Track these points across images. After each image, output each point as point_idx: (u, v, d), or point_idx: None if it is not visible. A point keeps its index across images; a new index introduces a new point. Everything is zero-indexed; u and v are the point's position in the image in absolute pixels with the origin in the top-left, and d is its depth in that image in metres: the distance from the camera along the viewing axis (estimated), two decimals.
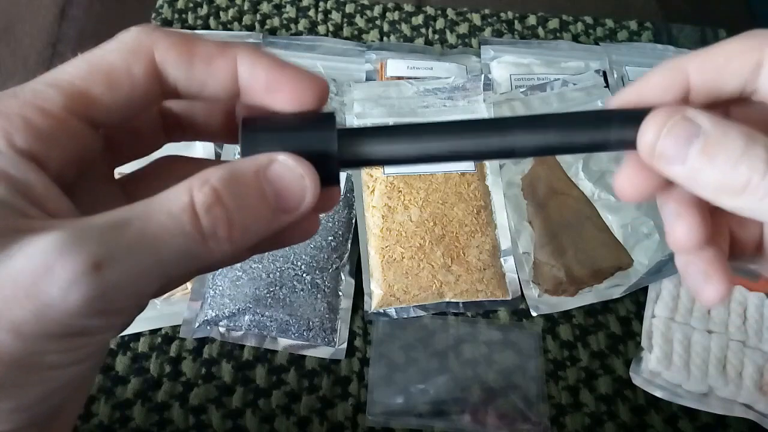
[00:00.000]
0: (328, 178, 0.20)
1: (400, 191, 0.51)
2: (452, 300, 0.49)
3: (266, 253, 0.47)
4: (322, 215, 0.50)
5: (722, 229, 0.23)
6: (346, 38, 0.63)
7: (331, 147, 0.20)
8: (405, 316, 0.49)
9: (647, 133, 0.19)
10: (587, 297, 0.50)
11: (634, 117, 0.20)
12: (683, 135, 0.19)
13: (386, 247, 0.49)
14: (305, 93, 0.20)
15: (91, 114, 0.19)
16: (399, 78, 0.58)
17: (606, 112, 0.21)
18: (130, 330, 0.46)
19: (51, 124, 0.18)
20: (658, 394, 0.46)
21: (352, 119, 0.55)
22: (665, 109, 0.19)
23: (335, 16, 0.65)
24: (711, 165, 0.18)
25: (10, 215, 0.16)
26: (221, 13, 0.63)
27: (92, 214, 0.17)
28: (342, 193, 0.52)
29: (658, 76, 0.21)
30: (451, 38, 0.64)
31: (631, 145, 0.20)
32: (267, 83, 0.20)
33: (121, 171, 0.23)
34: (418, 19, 0.65)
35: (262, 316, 0.46)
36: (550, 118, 0.21)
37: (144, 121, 0.23)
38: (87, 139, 0.19)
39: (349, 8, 0.65)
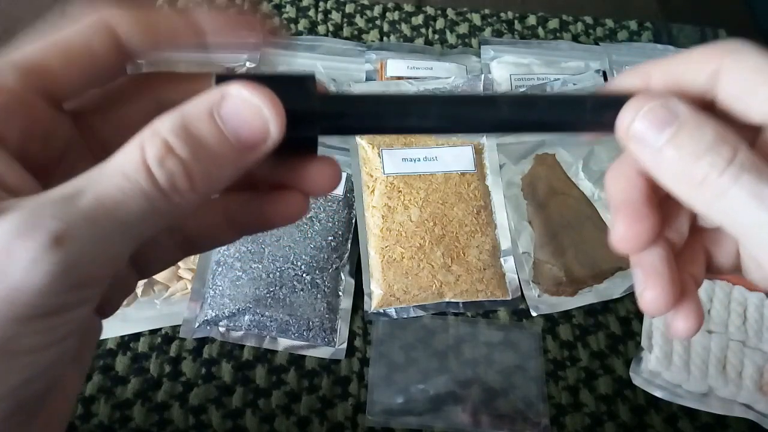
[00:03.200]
0: (304, 142, 0.19)
1: (400, 191, 0.51)
2: (452, 300, 0.49)
3: (266, 253, 0.47)
4: (322, 215, 0.50)
5: (696, 254, 0.22)
6: (346, 38, 0.63)
7: (309, 104, 0.19)
8: (405, 316, 0.49)
9: (626, 113, 0.20)
10: (587, 297, 0.50)
11: (617, 101, 0.20)
12: (658, 120, 0.19)
13: (386, 247, 0.49)
14: (259, 33, 0.20)
15: (48, 87, 0.18)
16: (399, 78, 0.58)
17: (590, 96, 0.21)
18: (130, 330, 0.46)
19: (5, 99, 0.17)
20: (658, 394, 0.46)
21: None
22: (647, 94, 0.20)
23: (335, 16, 0.65)
24: (677, 153, 0.19)
25: None
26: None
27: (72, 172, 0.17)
28: (342, 193, 0.52)
29: (626, 79, 0.21)
30: (451, 38, 0.64)
31: (608, 127, 0.20)
32: (225, 32, 0.20)
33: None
34: (418, 19, 0.65)
35: (262, 316, 0.46)
36: (539, 96, 0.21)
37: (132, 109, 0.22)
38: (47, 115, 0.19)
39: (349, 8, 0.65)
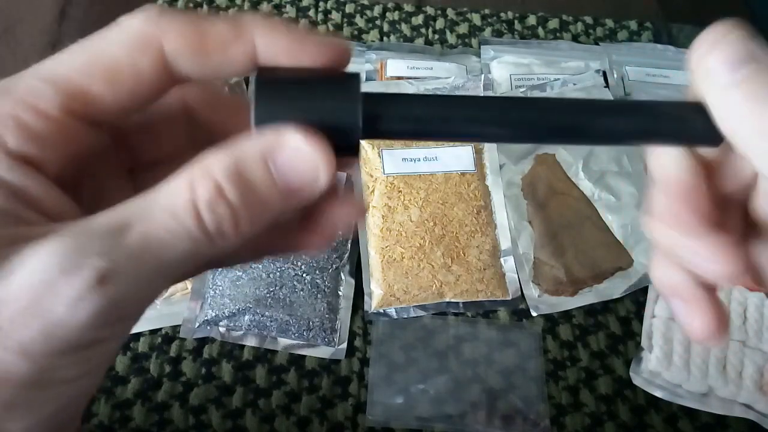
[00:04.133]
0: (346, 148, 0.18)
1: (400, 191, 0.51)
2: (452, 300, 0.49)
3: None
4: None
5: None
6: (346, 38, 0.63)
7: (354, 120, 0.18)
8: (405, 316, 0.49)
9: (701, 43, 0.18)
10: (587, 297, 0.50)
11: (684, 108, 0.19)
12: (734, 56, 0.17)
13: (386, 247, 0.49)
14: (328, 62, 0.18)
15: (90, 112, 0.18)
16: (399, 78, 0.58)
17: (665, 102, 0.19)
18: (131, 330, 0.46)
19: (46, 125, 0.17)
20: (658, 394, 0.46)
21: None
22: (726, 26, 0.19)
23: (335, 16, 0.65)
24: (746, 95, 0.17)
25: (7, 223, 0.16)
26: (221, 14, 0.63)
27: (97, 212, 0.16)
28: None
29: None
30: (451, 38, 0.64)
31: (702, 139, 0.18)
32: (289, 59, 0.18)
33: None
34: (418, 19, 0.65)
35: (262, 316, 0.46)
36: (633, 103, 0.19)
37: (161, 117, 0.21)
38: (87, 138, 0.18)
39: (349, 8, 0.65)
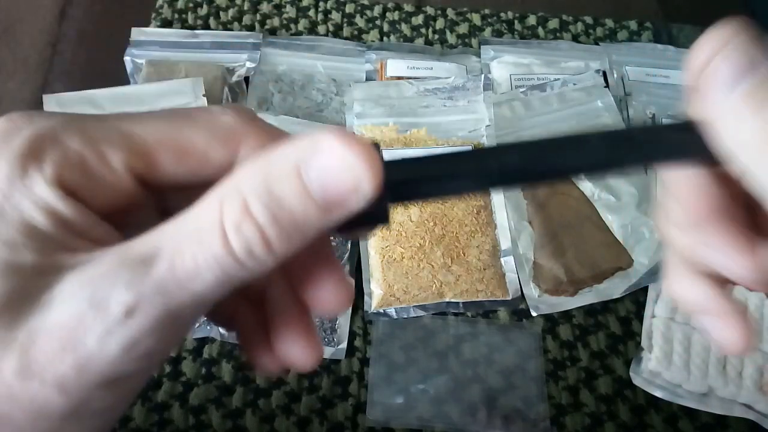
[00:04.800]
0: (376, 215, 0.17)
1: None
2: (452, 300, 0.49)
3: None
4: None
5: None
6: (346, 38, 0.63)
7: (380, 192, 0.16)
8: (405, 316, 0.49)
9: (700, 51, 0.17)
10: (587, 297, 0.50)
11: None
12: (740, 63, 0.16)
13: (386, 247, 0.49)
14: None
15: (147, 177, 0.18)
16: (399, 78, 0.58)
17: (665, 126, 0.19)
18: None
19: (106, 173, 0.17)
20: (658, 394, 0.46)
21: (352, 119, 0.55)
22: (725, 31, 0.17)
23: (335, 16, 0.65)
24: (751, 109, 0.16)
25: (54, 249, 0.16)
26: (221, 13, 0.63)
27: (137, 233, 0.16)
28: None
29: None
30: (451, 38, 0.64)
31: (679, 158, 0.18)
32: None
33: None
34: (418, 19, 0.65)
35: None
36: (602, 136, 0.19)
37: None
38: (137, 192, 0.18)
39: (349, 8, 0.65)
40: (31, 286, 0.15)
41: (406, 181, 0.17)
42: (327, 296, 0.20)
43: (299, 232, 0.16)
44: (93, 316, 0.15)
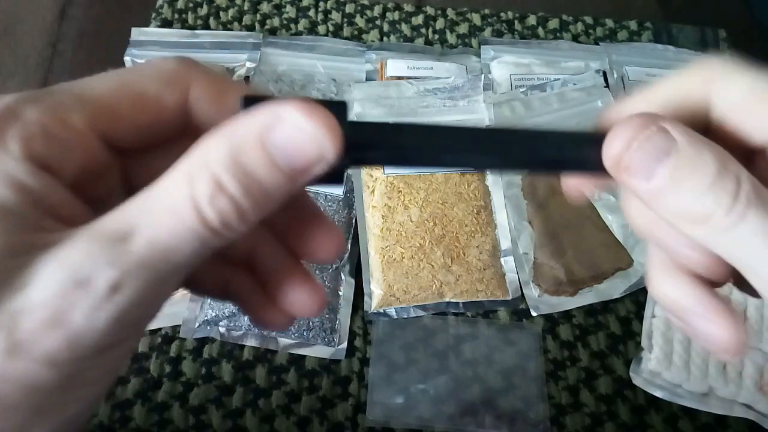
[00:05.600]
0: (333, 176, 0.18)
1: (400, 191, 0.51)
2: (452, 300, 0.49)
3: None
4: None
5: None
6: (346, 38, 0.63)
7: (345, 135, 0.17)
8: (405, 316, 0.49)
9: (616, 141, 0.18)
10: (587, 297, 0.50)
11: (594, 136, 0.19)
12: (654, 150, 0.17)
13: (386, 247, 0.49)
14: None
15: (110, 133, 0.18)
16: (399, 78, 0.58)
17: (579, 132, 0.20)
18: None
19: (70, 137, 0.18)
20: (658, 394, 0.46)
21: (352, 119, 0.55)
22: (639, 117, 0.18)
23: (335, 16, 0.65)
24: (676, 190, 0.17)
25: (25, 229, 0.16)
26: (221, 13, 0.63)
27: (105, 211, 0.17)
28: (342, 193, 0.52)
29: (628, 106, 0.20)
30: (451, 38, 0.64)
31: (591, 165, 0.19)
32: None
33: None
34: (418, 19, 0.65)
35: None
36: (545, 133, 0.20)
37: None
38: (103, 154, 0.19)
39: (349, 8, 0.65)
40: (3, 267, 0.15)
41: (364, 145, 0.18)
42: (317, 244, 0.21)
43: (270, 198, 0.17)
44: (78, 294, 0.15)
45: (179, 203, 0.16)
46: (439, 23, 0.65)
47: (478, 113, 0.56)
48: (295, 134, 0.16)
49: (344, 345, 0.47)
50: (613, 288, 0.51)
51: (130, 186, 0.21)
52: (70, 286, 0.15)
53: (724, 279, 0.20)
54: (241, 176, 0.16)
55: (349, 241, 0.50)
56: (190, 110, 0.19)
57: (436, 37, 0.64)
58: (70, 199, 0.18)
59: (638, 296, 0.51)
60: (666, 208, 0.18)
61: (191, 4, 0.63)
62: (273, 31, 0.63)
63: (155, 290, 0.16)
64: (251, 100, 0.17)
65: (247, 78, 0.58)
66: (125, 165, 0.20)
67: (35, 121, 0.17)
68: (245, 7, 0.64)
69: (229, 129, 0.16)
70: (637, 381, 0.47)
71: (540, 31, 0.66)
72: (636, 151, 0.18)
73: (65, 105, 0.18)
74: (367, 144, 0.19)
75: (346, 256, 0.50)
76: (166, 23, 0.62)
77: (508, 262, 0.51)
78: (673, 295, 0.20)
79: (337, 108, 0.17)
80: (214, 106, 0.19)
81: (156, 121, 0.19)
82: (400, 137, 0.19)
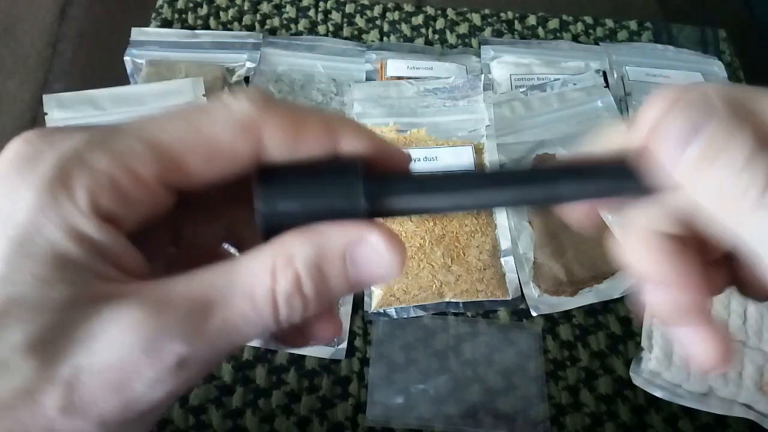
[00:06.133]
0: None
1: None
2: (452, 300, 0.49)
3: None
4: None
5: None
6: (346, 38, 0.63)
7: (362, 206, 0.18)
8: (405, 316, 0.49)
9: (655, 106, 0.18)
10: (587, 297, 0.50)
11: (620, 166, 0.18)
12: (693, 119, 0.17)
13: None
14: (399, 166, 0.20)
15: (178, 183, 0.18)
16: (399, 78, 0.58)
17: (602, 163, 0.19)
18: None
19: (139, 191, 0.17)
20: (658, 394, 0.46)
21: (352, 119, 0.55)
22: (680, 87, 0.18)
23: (335, 16, 0.65)
24: (711, 163, 0.17)
25: (89, 280, 0.16)
26: (221, 13, 0.63)
27: (156, 259, 0.17)
28: None
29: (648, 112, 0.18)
30: (451, 38, 0.64)
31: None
32: (367, 158, 0.19)
33: None
34: (418, 19, 0.65)
35: None
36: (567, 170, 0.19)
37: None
38: (166, 202, 0.18)
39: (349, 8, 0.65)
40: (68, 319, 0.15)
41: (383, 210, 0.18)
42: (320, 330, 0.21)
43: (328, 301, 0.18)
44: (146, 363, 0.15)
45: (259, 293, 0.16)
46: (439, 23, 0.65)
47: (478, 113, 0.56)
48: (374, 258, 0.18)
49: (344, 345, 0.47)
50: (613, 288, 0.51)
51: (180, 231, 0.21)
52: (138, 353, 0.15)
53: (718, 293, 0.20)
54: (317, 281, 0.17)
55: None
56: (264, 153, 0.18)
57: (436, 37, 0.64)
58: (133, 253, 0.17)
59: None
60: (696, 184, 0.17)
61: (191, 4, 0.63)
62: (273, 31, 0.63)
63: (210, 368, 0.17)
64: (265, 171, 0.18)
65: (247, 78, 0.58)
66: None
67: (104, 172, 0.16)
68: (245, 7, 0.64)
69: (316, 234, 0.17)
70: (637, 381, 0.47)
71: (540, 31, 0.66)
72: (674, 117, 0.17)
73: (135, 154, 0.17)
74: (386, 207, 0.18)
75: None
76: (166, 23, 0.62)
77: (508, 262, 0.51)
78: (645, 262, 0.20)
79: (347, 177, 0.18)
80: (287, 149, 0.18)
81: (229, 169, 0.18)
82: (420, 195, 0.19)
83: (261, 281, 0.17)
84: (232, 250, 0.23)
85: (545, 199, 0.20)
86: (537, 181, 0.19)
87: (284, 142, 0.18)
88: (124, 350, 0.15)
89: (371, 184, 0.18)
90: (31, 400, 0.15)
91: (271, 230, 0.18)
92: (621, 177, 0.19)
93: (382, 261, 0.18)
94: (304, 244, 0.17)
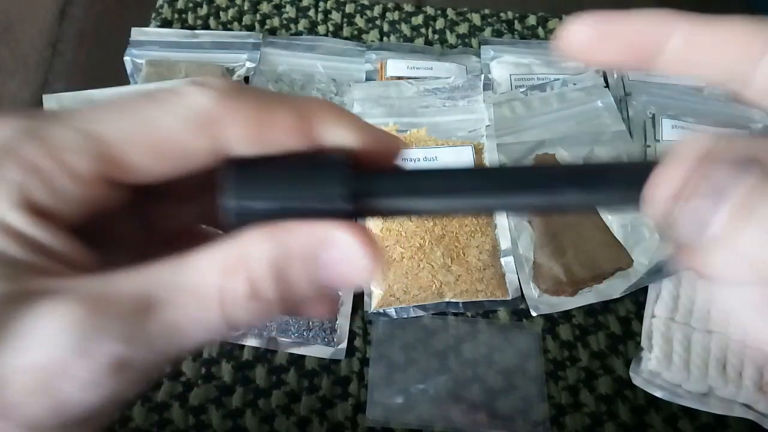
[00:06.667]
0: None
1: None
2: (452, 300, 0.49)
3: None
4: None
5: None
6: (346, 38, 0.63)
7: (342, 207, 0.16)
8: (405, 316, 0.49)
9: (661, 189, 0.15)
10: (587, 297, 0.50)
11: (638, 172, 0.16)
12: (708, 197, 0.14)
13: (386, 247, 0.49)
14: (390, 154, 0.18)
15: (121, 180, 0.16)
16: (399, 78, 0.58)
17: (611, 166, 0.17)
18: None
19: (74, 186, 0.16)
20: (658, 394, 0.46)
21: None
22: (680, 158, 0.14)
23: (335, 16, 0.65)
24: (746, 229, 0.13)
25: (23, 275, 0.15)
26: (221, 13, 0.63)
27: (110, 254, 0.15)
28: None
29: (648, 18, 0.16)
30: (451, 38, 0.64)
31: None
32: (354, 150, 0.17)
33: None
34: (418, 19, 0.65)
35: None
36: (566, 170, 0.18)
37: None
38: (110, 197, 0.17)
39: (349, 8, 0.65)
40: None
41: (369, 209, 0.17)
42: (314, 306, 0.20)
43: (294, 302, 0.16)
44: (78, 363, 0.14)
45: (208, 293, 0.15)
46: (439, 23, 0.65)
47: (478, 113, 0.56)
48: (345, 260, 0.16)
49: (344, 345, 0.47)
50: (613, 288, 0.51)
51: (147, 215, 0.20)
52: (70, 353, 0.14)
53: None
54: (278, 282, 0.15)
55: None
56: (224, 149, 0.16)
57: (436, 37, 0.64)
58: (72, 243, 0.16)
59: (638, 296, 0.51)
60: (743, 259, 0.14)
61: (191, 4, 0.63)
62: (273, 31, 0.63)
63: (155, 371, 0.16)
64: (236, 163, 0.16)
65: (246, 78, 0.58)
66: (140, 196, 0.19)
67: (34, 164, 0.15)
68: (245, 7, 0.64)
69: (281, 231, 0.16)
70: (637, 381, 0.47)
71: (540, 31, 0.66)
72: (690, 196, 0.14)
73: (70, 146, 0.15)
74: (372, 206, 0.17)
75: None
76: (166, 23, 0.62)
77: (508, 262, 0.51)
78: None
79: (334, 169, 0.16)
80: (253, 146, 0.16)
81: (180, 164, 0.16)
82: (409, 193, 0.17)
83: (209, 280, 0.15)
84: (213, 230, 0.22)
85: (544, 207, 0.18)
86: (536, 188, 0.17)
87: (249, 138, 0.16)
88: (54, 349, 0.14)
89: (354, 182, 0.16)
90: None
91: (236, 227, 0.16)
92: (627, 189, 0.16)
93: (354, 264, 0.16)
94: (264, 242, 0.15)
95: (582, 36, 0.17)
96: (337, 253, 0.16)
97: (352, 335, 0.48)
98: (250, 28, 0.63)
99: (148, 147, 0.16)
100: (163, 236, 0.20)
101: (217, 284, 0.15)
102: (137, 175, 0.16)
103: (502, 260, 0.51)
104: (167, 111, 0.16)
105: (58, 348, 0.14)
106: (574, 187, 0.17)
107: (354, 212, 0.16)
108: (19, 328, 0.14)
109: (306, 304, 0.17)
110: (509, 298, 0.50)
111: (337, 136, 0.17)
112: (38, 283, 0.15)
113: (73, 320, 0.14)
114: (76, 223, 0.16)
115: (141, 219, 0.20)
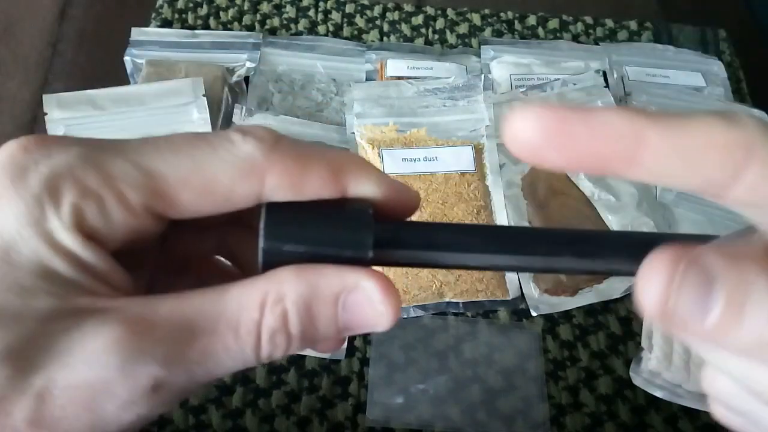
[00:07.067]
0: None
1: None
2: (452, 300, 0.49)
3: None
4: None
5: None
6: (346, 38, 0.63)
7: (365, 255, 0.18)
8: (405, 316, 0.49)
9: (652, 286, 0.16)
10: (587, 297, 0.50)
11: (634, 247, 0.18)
12: (697, 286, 0.15)
13: None
14: (408, 208, 0.20)
15: (168, 213, 0.17)
16: (399, 78, 0.58)
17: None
18: None
19: (125, 214, 0.17)
20: (658, 394, 0.46)
21: (352, 119, 0.55)
22: (668, 254, 0.15)
23: (335, 16, 0.65)
24: (741, 318, 0.14)
25: (72, 294, 0.16)
26: (221, 13, 0.63)
27: (141, 269, 0.16)
28: None
29: (611, 125, 0.14)
30: (451, 38, 0.64)
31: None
32: (377, 202, 0.19)
33: None
34: (418, 19, 0.65)
35: None
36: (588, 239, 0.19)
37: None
38: (153, 228, 0.18)
39: (349, 8, 0.65)
40: (47, 330, 0.15)
41: (389, 259, 0.19)
42: (321, 346, 0.21)
43: (314, 342, 0.18)
44: (121, 383, 0.15)
45: (244, 325, 0.16)
46: (439, 23, 0.65)
47: (477, 113, 0.56)
48: (367, 306, 0.17)
49: (344, 345, 0.47)
50: (613, 288, 0.51)
51: (166, 241, 0.21)
52: (115, 373, 0.15)
53: None
54: (305, 321, 0.17)
55: None
56: (265, 195, 0.18)
57: (436, 37, 0.64)
58: (115, 265, 0.17)
59: None
60: (737, 341, 0.15)
61: (191, 4, 0.63)
62: (273, 31, 0.63)
63: (185, 395, 0.17)
64: (273, 208, 0.18)
65: (246, 78, 0.58)
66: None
67: (92, 191, 0.16)
68: (245, 7, 0.64)
69: (312, 273, 0.17)
70: (637, 381, 0.47)
71: (540, 31, 0.66)
72: (679, 295, 0.15)
73: (127, 179, 0.17)
74: (392, 256, 0.19)
75: None
76: (166, 23, 0.62)
77: None
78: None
79: (358, 222, 0.18)
80: (290, 194, 0.18)
81: (220, 209, 0.18)
82: (428, 248, 0.19)
83: (249, 314, 0.16)
84: (226, 261, 0.23)
85: (545, 269, 0.20)
86: (539, 254, 0.19)
87: (287, 186, 0.18)
88: (99, 368, 0.15)
89: (377, 234, 0.18)
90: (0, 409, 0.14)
91: (269, 266, 0.17)
92: (622, 262, 0.19)
93: (375, 311, 0.17)
94: (298, 282, 0.17)
95: (528, 134, 0.14)
96: (361, 298, 0.17)
97: (352, 335, 0.48)
98: (250, 28, 0.63)
99: (198, 187, 0.17)
100: (175, 264, 0.22)
101: (255, 319, 0.16)
102: (183, 211, 0.18)
103: None
104: (220, 157, 0.17)
105: (102, 367, 0.15)
106: (572, 256, 0.19)
107: (374, 260, 0.18)
108: (66, 344, 0.15)
109: (320, 342, 0.18)
110: (509, 298, 0.50)
111: (364, 188, 0.18)
112: (84, 302, 0.16)
113: (117, 341, 0.15)
114: (118, 247, 0.18)
115: (161, 245, 0.21)
